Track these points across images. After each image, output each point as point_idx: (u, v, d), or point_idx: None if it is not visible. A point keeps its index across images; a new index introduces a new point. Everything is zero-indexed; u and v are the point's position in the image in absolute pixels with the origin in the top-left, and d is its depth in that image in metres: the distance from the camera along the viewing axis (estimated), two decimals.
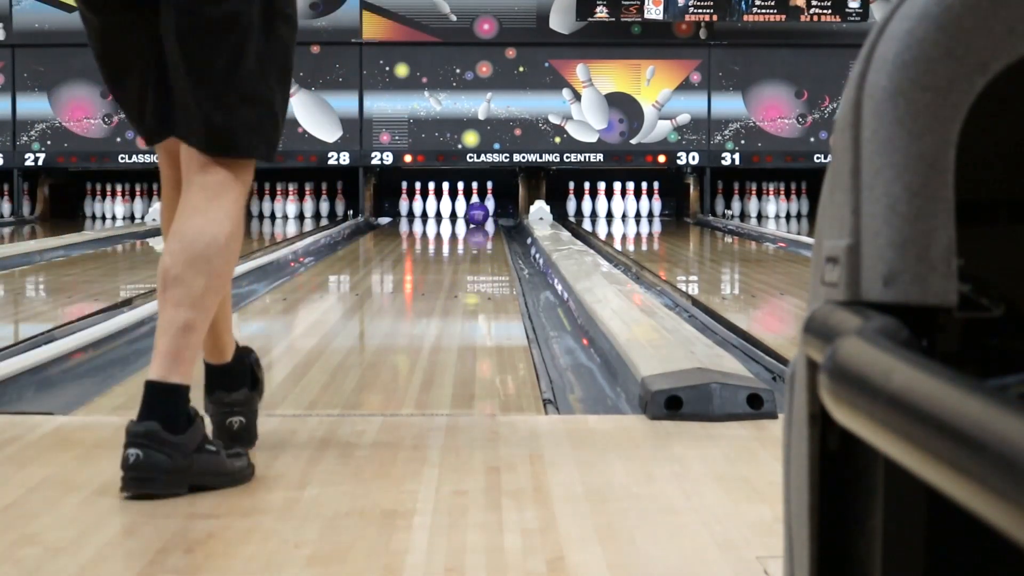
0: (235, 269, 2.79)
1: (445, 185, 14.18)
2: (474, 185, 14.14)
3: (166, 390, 2.50)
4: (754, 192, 14.26)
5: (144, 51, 2.64)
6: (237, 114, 2.60)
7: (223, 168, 2.62)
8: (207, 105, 2.58)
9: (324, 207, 14.20)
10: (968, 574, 0.94)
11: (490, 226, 13.46)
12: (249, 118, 2.61)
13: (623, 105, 13.91)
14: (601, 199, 14.19)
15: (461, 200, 14.14)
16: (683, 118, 13.93)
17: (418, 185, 14.22)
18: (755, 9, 13.73)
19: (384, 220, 14.01)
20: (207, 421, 2.76)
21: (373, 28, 13.83)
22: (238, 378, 2.86)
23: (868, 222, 0.95)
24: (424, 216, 14.12)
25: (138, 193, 14.07)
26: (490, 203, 14.12)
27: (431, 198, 14.19)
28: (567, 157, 13.87)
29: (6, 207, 14.01)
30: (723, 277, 8.84)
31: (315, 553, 2.13)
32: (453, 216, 14.08)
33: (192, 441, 2.50)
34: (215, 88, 2.59)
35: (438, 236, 12.65)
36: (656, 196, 14.27)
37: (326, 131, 13.77)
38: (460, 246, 11.43)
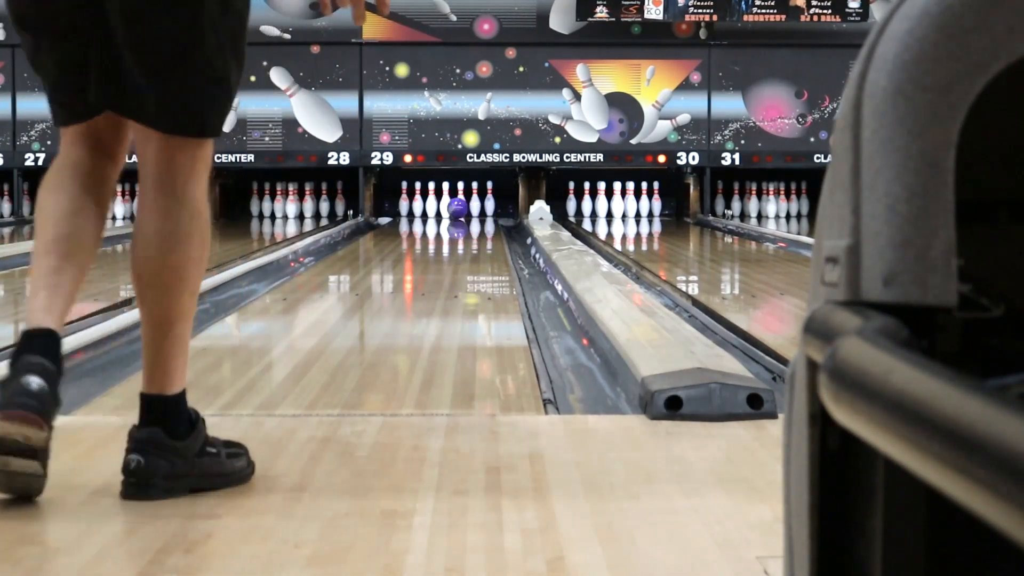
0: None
1: (445, 185, 14.18)
2: (474, 185, 14.15)
3: (163, 401, 2.48)
4: (754, 192, 14.26)
5: (83, 14, 2.44)
6: (196, 91, 2.46)
7: (181, 152, 2.49)
8: (163, 82, 2.43)
9: (324, 207, 14.20)
10: (968, 574, 0.94)
11: (490, 226, 13.46)
12: (208, 95, 2.48)
13: (623, 105, 13.91)
14: (601, 199, 14.19)
15: (448, 200, 14.16)
16: (683, 118, 13.93)
17: (418, 185, 14.22)
18: (755, 9, 13.73)
19: (384, 220, 14.01)
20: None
21: (373, 28, 13.83)
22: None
23: (868, 222, 0.95)
24: (424, 216, 14.12)
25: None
26: (490, 203, 14.12)
27: (431, 198, 14.19)
28: (567, 157, 13.87)
29: (6, 207, 14.02)
30: (723, 277, 8.84)
31: (315, 553, 2.13)
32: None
33: (194, 445, 2.48)
34: (171, 64, 2.43)
35: (438, 236, 12.65)
36: (656, 196, 14.28)
37: (326, 131, 13.77)
38: (460, 246, 11.43)
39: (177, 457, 2.45)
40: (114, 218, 13.99)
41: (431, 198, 14.19)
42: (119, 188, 14.08)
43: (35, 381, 2.31)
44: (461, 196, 14.14)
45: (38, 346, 2.39)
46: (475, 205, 14.17)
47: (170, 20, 2.42)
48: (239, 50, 2.53)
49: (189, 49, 2.44)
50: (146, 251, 2.49)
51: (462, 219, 13.83)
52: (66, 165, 2.59)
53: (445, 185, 14.18)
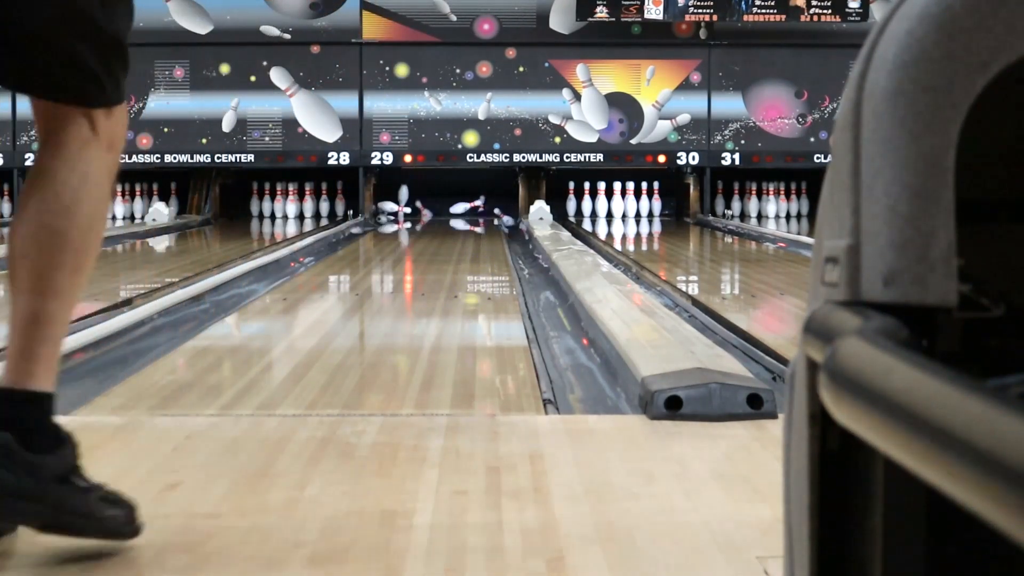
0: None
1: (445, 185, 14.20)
2: (474, 185, 14.15)
3: (21, 398, 2.04)
4: (754, 192, 14.26)
5: None
6: (79, 56, 2.10)
7: (72, 119, 2.13)
8: (46, 45, 2.09)
9: (324, 207, 14.20)
10: (968, 574, 0.94)
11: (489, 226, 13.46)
12: (98, 58, 2.12)
13: (623, 105, 13.91)
14: (601, 199, 14.19)
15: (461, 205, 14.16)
16: (683, 118, 13.93)
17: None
18: (755, 9, 13.73)
19: (389, 224, 14.01)
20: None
21: (373, 28, 13.83)
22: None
23: (868, 222, 0.95)
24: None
25: (138, 193, 14.07)
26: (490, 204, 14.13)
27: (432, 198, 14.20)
28: (567, 157, 13.88)
29: (6, 207, 14.02)
30: (723, 277, 8.84)
31: (315, 553, 2.13)
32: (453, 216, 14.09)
33: (54, 466, 2.03)
34: (54, 25, 2.08)
35: (438, 236, 12.65)
36: (656, 196, 14.28)
37: (326, 131, 13.77)
38: (460, 246, 11.43)
39: (26, 472, 2.00)
40: (114, 218, 13.99)
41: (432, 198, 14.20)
42: (119, 188, 14.08)
43: None
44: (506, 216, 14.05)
45: None
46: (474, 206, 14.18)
47: None
48: (128, 7, 2.19)
49: (69, 13, 2.10)
50: (23, 215, 2.10)
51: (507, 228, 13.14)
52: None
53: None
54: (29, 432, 2.02)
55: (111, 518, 2.08)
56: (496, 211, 13.70)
